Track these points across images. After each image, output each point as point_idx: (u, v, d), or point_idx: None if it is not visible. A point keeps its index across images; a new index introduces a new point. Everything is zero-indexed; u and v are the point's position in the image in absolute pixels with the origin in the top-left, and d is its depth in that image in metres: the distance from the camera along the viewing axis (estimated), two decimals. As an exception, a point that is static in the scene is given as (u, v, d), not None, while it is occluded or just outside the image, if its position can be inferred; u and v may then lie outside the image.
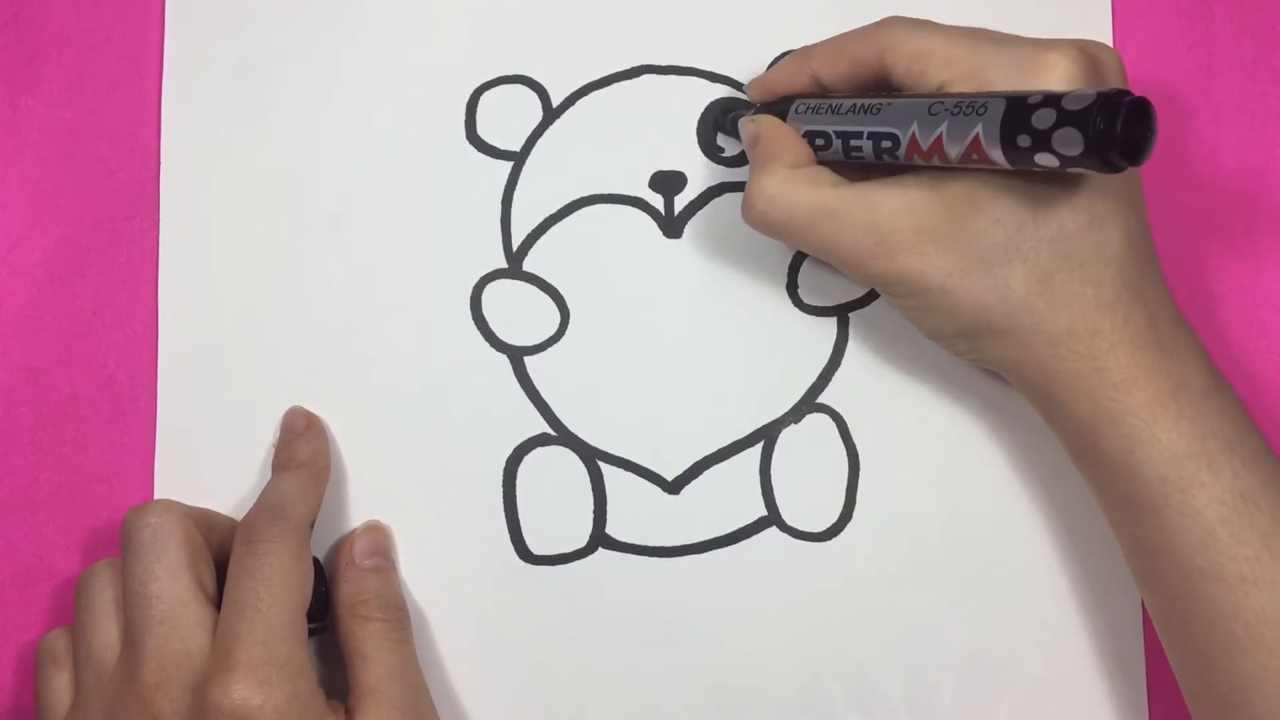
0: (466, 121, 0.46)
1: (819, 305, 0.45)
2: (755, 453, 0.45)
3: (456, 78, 0.46)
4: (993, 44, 0.37)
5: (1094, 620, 0.44)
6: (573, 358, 0.45)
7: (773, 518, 0.45)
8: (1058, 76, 0.35)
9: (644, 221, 0.45)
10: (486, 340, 0.45)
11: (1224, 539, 0.35)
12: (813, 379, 0.45)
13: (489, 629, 0.44)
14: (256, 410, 0.45)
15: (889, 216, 0.37)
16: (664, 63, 0.46)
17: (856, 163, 0.39)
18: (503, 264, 0.45)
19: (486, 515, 0.45)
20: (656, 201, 0.45)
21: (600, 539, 0.45)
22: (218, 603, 0.39)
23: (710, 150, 0.45)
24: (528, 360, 0.45)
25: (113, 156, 0.46)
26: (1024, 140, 0.33)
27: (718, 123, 0.45)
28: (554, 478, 0.45)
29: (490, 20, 0.46)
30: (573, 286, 0.45)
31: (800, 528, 0.44)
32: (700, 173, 0.45)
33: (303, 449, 0.43)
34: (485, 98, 0.46)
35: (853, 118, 0.38)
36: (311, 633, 0.41)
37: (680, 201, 0.45)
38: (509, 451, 0.45)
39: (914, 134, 0.36)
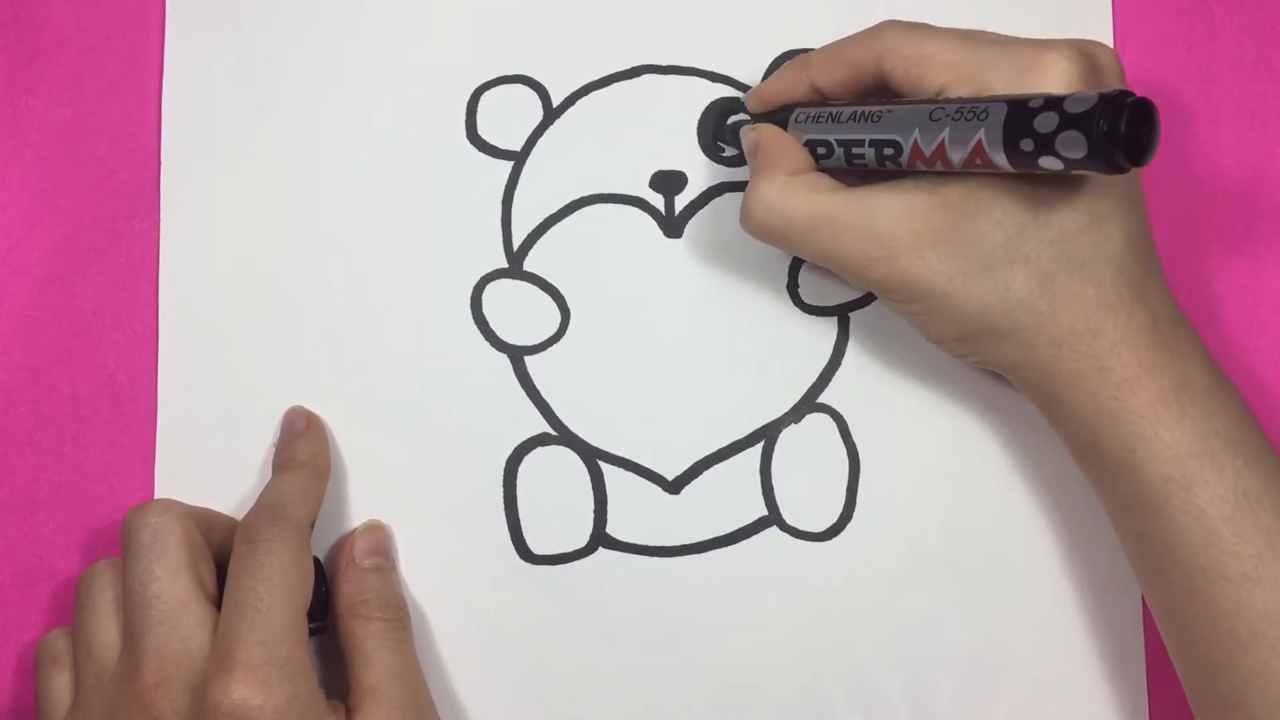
0: (467, 121, 0.46)
1: (819, 305, 0.45)
2: (755, 453, 0.45)
3: (457, 78, 0.46)
4: (991, 46, 0.37)
5: (1094, 620, 0.44)
6: (573, 357, 0.45)
7: (773, 518, 0.45)
8: (1056, 77, 0.35)
9: (644, 221, 0.45)
10: (487, 340, 0.45)
11: (1227, 537, 0.35)
12: (813, 379, 0.45)
13: (489, 629, 0.44)
14: (256, 410, 0.45)
15: (887, 221, 0.37)
16: (664, 63, 0.46)
17: (859, 170, 0.39)
18: (503, 264, 0.45)
19: (487, 515, 0.45)
20: (657, 201, 0.45)
21: (600, 539, 0.45)
22: (218, 603, 0.39)
23: (711, 150, 0.45)
24: (528, 360, 0.45)
25: (113, 156, 0.46)
26: (1027, 144, 0.33)
27: (718, 132, 0.45)
28: (554, 477, 0.45)
29: (490, 20, 0.46)
30: (573, 286, 0.45)
31: (800, 528, 0.45)
32: (700, 173, 0.45)
33: (303, 449, 0.43)
34: (485, 98, 0.46)
35: (853, 126, 0.38)
36: (311, 633, 0.40)
37: (680, 201, 0.45)
38: (509, 451, 0.45)
39: (916, 140, 0.36)
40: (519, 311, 0.45)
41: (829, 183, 0.39)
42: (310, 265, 0.45)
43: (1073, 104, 0.32)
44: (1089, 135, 0.32)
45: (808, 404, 0.45)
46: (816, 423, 0.45)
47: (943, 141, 0.35)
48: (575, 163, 0.46)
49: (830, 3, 0.45)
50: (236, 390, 0.45)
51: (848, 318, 0.45)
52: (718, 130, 0.45)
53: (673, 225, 0.45)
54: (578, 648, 0.44)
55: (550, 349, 0.45)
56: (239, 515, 0.42)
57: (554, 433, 0.45)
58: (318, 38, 0.46)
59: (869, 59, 0.39)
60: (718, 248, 0.45)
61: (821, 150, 0.40)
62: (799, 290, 0.45)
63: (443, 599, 0.44)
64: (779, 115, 0.41)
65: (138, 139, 0.46)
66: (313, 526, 0.42)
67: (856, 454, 0.45)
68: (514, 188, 0.46)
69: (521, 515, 0.45)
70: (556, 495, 0.45)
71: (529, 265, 0.45)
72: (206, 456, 0.45)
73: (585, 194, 0.45)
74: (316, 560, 0.42)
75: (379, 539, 0.44)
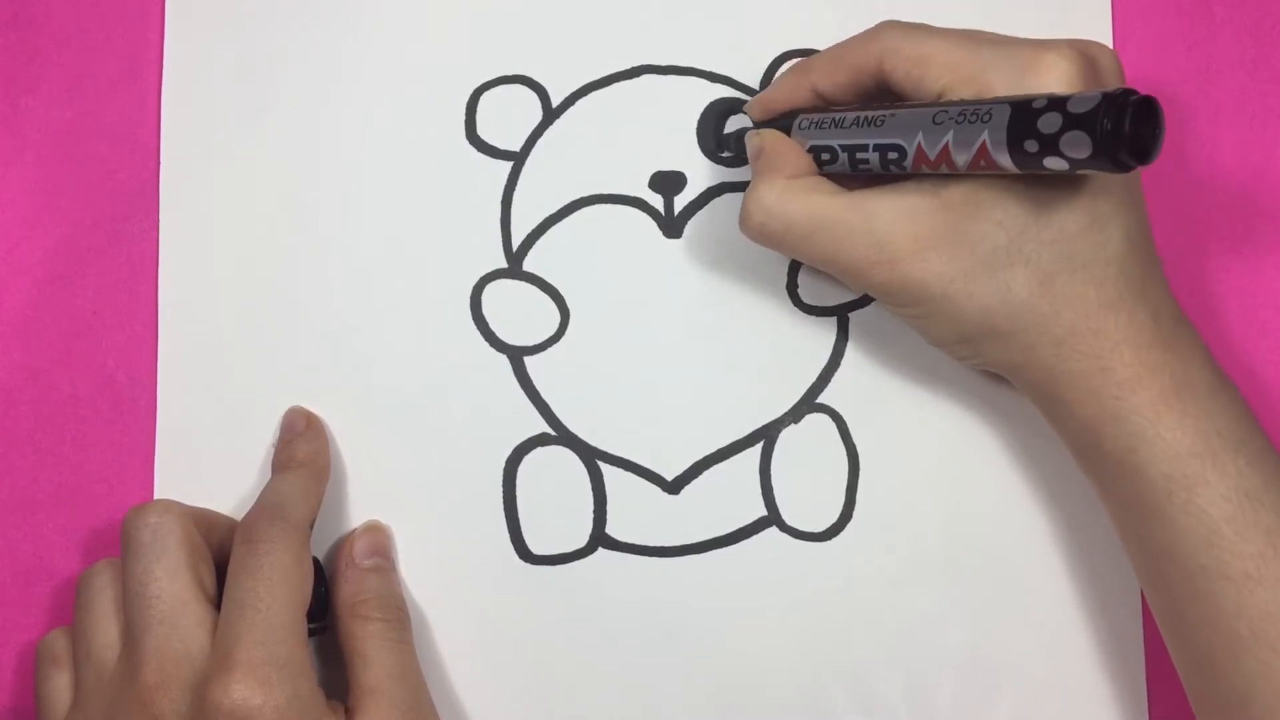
0: (466, 121, 0.46)
1: (819, 305, 0.45)
2: (755, 453, 0.45)
3: (456, 78, 0.46)
4: (991, 46, 0.37)
5: (1094, 620, 0.44)
6: (573, 358, 0.45)
7: (773, 518, 0.45)
8: (1056, 77, 0.35)
9: (644, 221, 0.45)
10: (486, 340, 0.45)
11: (1228, 537, 0.35)
12: (813, 379, 0.45)
13: (489, 629, 0.44)
14: (256, 410, 0.45)
15: (887, 224, 0.37)
16: (664, 63, 0.46)
17: (860, 174, 0.39)
18: (503, 264, 0.45)
19: (486, 515, 0.45)
20: (656, 201, 0.45)
21: (600, 539, 0.45)
22: (218, 603, 0.39)
23: (710, 151, 0.45)
24: (528, 360, 0.45)
25: (113, 156, 0.46)
26: (1031, 145, 0.33)
27: (719, 137, 0.45)
28: (554, 478, 0.45)
29: (490, 20, 0.46)
30: (573, 286, 0.45)
31: (800, 528, 0.44)
32: (700, 173, 0.45)
33: (303, 449, 0.43)
34: (485, 98, 0.46)
35: (857, 131, 0.38)
36: (311, 633, 0.40)
37: (680, 201, 0.45)
38: (509, 451, 0.45)
39: (920, 144, 0.36)
40: (518, 312, 0.45)
41: (828, 186, 0.39)
42: (310, 265, 0.45)
43: (1076, 104, 0.32)
44: (1093, 135, 0.32)
45: (807, 404, 0.45)
46: (816, 423, 0.45)
47: (947, 144, 0.35)
48: (575, 163, 0.45)
49: (830, 3, 0.45)
50: (236, 390, 0.45)
51: (847, 318, 0.45)
52: (718, 134, 0.45)
53: (672, 225, 0.45)
54: (577, 648, 0.44)
55: (550, 349, 0.45)
56: (239, 515, 0.42)
57: (553, 433, 0.45)
58: (318, 38, 0.46)
59: (869, 60, 0.39)
60: (717, 248, 0.45)
61: (826, 156, 0.39)
62: (798, 290, 0.45)
63: (442, 599, 0.44)
64: (782, 122, 0.41)
65: (138, 139, 0.46)
66: (312, 526, 0.42)
67: (856, 454, 0.45)
68: (513, 188, 0.46)
69: (521, 515, 0.45)
70: (556, 495, 0.45)
71: (528, 265, 0.45)
72: (206, 456, 0.45)
73: (585, 194, 0.45)
74: (316, 560, 0.42)
75: (379, 539, 0.44)
